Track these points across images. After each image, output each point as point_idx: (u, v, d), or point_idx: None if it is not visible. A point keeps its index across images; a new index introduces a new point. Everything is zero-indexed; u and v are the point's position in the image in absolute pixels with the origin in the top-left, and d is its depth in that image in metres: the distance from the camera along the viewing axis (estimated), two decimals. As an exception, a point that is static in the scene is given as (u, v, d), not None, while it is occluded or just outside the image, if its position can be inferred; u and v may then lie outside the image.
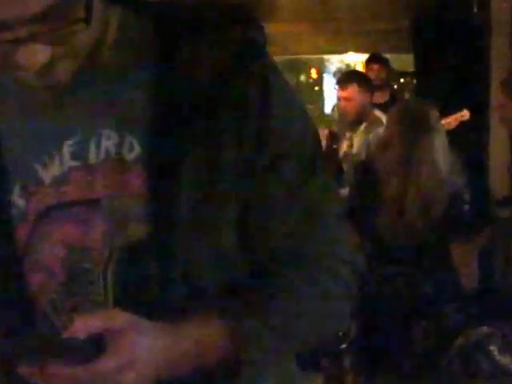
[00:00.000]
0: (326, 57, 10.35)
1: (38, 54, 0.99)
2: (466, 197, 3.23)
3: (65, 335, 0.96)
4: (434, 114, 3.33)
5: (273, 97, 1.09)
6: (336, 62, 10.42)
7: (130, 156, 1.06)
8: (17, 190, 1.10)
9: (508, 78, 4.13)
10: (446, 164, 3.22)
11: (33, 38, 0.98)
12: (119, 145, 1.07)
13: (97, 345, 0.96)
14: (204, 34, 1.10)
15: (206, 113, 1.06)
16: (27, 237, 1.09)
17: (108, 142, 1.07)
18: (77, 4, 0.98)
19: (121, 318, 0.99)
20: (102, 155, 1.07)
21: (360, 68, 7.68)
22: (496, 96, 4.22)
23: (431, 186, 3.17)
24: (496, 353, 2.88)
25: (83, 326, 0.96)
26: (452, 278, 3.18)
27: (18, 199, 1.10)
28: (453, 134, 4.11)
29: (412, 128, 3.23)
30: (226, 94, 1.07)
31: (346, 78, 5.07)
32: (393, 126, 3.30)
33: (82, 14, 0.99)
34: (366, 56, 6.43)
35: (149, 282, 1.05)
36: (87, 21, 0.99)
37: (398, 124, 3.27)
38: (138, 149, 1.06)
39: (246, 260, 1.10)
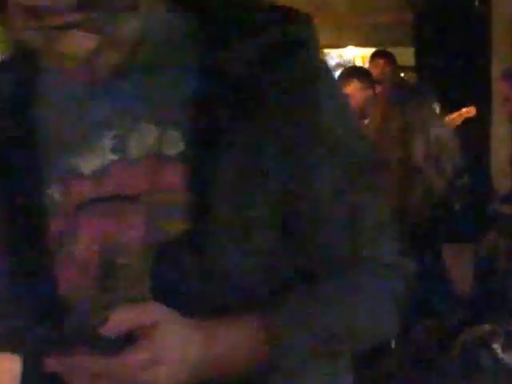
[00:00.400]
0: (325, 51, 10.34)
1: (83, 42, 0.98)
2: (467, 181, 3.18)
3: (98, 328, 0.94)
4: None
5: (321, 93, 1.07)
6: (335, 56, 10.39)
7: (170, 152, 1.04)
8: (54, 181, 1.08)
9: (509, 70, 4.10)
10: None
11: (79, 26, 0.97)
12: (160, 140, 1.04)
13: (128, 338, 0.95)
14: (250, 29, 1.07)
15: (250, 110, 1.04)
16: (61, 230, 1.07)
17: (149, 136, 1.05)
18: None
19: (156, 312, 0.97)
20: (143, 150, 1.05)
21: (359, 62, 7.64)
22: (498, 90, 4.18)
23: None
24: (499, 350, 2.85)
25: (118, 318, 0.95)
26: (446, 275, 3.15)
27: (54, 191, 1.08)
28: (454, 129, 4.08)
29: (412, 97, 3.17)
30: (271, 89, 1.04)
31: (347, 74, 5.04)
32: (388, 100, 3.24)
33: (128, 1, 0.98)
34: (365, 50, 6.41)
35: (186, 280, 1.02)
36: (134, 9, 0.99)
37: (395, 97, 3.21)
38: (179, 145, 1.04)
39: (287, 262, 1.06)
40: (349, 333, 1.09)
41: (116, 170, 1.06)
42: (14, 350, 1.11)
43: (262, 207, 1.04)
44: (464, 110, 5.11)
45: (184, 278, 1.02)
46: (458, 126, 4.76)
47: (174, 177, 1.03)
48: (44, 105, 1.11)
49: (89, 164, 1.07)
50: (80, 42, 0.98)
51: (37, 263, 1.08)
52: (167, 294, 1.02)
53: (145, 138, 1.05)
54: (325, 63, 1.13)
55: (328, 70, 1.13)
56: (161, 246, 1.03)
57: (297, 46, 1.06)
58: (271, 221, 1.04)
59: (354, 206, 1.10)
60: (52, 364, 0.95)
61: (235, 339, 1.02)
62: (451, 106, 4.99)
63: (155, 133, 1.05)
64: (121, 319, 0.95)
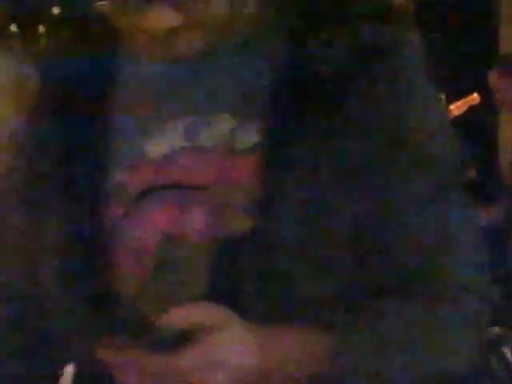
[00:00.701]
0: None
1: (167, 18, 0.97)
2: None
3: (155, 323, 0.92)
4: None
5: (411, 107, 1.02)
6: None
7: (244, 144, 1.01)
8: (120, 163, 1.04)
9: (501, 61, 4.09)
10: None
11: (164, 1, 0.97)
12: (234, 131, 1.02)
13: (185, 337, 0.92)
14: (342, 26, 1.05)
15: (330, 112, 1.00)
16: (122, 215, 1.03)
17: (223, 126, 1.02)
18: None
19: (217, 314, 0.94)
20: (215, 139, 1.02)
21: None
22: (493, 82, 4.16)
23: None
24: (509, 355, 2.78)
25: (177, 316, 0.92)
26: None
27: (121, 175, 1.04)
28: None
29: None
30: (354, 93, 1.00)
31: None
32: None
33: None
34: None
35: (245, 280, 0.99)
36: None
37: None
38: (254, 138, 1.01)
39: (354, 274, 1.01)
40: (408, 358, 1.02)
41: (184, 157, 1.02)
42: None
43: (332, 212, 0.99)
44: (469, 97, 5.10)
45: (243, 278, 0.99)
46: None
47: (245, 171, 1.00)
48: (120, 84, 1.08)
49: (158, 148, 1.03)
50: (163, 18, 0.97)
51: (94, 247, 1.03)
52: (223, 292, 0.99)
53: (219, 127, 1.02)
54: (420, 72, 1.04)
55: (424, 83, 1.04)
56: (222, 243, 0.99)
57: (390, 51, 1.02)
58: (340, 228, 0.99)
59: (441, 224, 1.03)
60: (102, 356, 0.93)
61: (296, 349, 0.98)
62: (455, 95, 4.97)
63: (230, 123, 1.02)
64: (180, 317, 0.93)
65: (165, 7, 0.97)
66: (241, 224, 1.00)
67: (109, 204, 1.03)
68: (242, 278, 0.99)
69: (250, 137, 1.01)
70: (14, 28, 6.22)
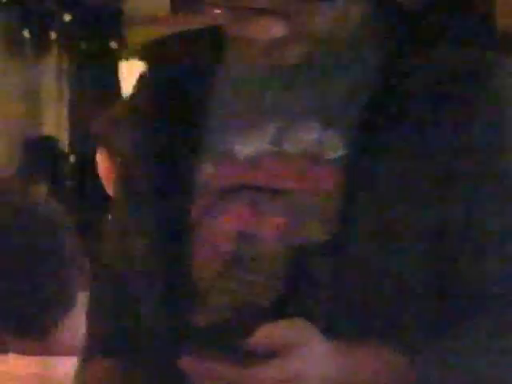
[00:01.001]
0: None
1: (271, 28, 0.98)
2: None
3: (242, 339, 0.92)
4: None
5: (504, 120, 1.01)
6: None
7: (328, 154, 1.02)
8: (210, 160, 1.07)
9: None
10: None
11: (270, 10, 0.97)
12: (320, 140, 1.03)
13: (267, 352, 0.92)
14: (443, 43, 1.04)
15: (422, 129, 1.00)
16: (204, 209, 1.06)
17: (310, 135, 1.03)
18: None
19: (302, 331, 0.94)
20: (300, 147, 1.03)
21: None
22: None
23: None
24: None
25: (264, 334, 0.92)
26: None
27: (208, 169, 1.07)
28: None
29: None
30: (448, 106, 1.00)
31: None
32: None
33: None
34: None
35: (318, 289, 1.00)
36: (330, 3, 0.98)
37: None
38: (339, 149, 1.02)
39: (435, 293, 1.01)
40: None
41: (269, 161, 1.04)
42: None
43: (413, 229, 0.99)
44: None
45: (315, 287, 1.00)
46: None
47: (328, 181, 1.01)
48: (220, 83, 1.10)
49: (245, 149, 1.06)
50: (268, 28, 0.98)
51: (177, 237, 1.06)
52: (294, 298, 1.01)
53: (306, 135, 1.03)
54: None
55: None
56: (298, 249, 1.00)
57: (486, 75, 1.01)
58: (421, 244, 0.99)
59: None
60: (184, 364, 0.93)
61: (377, 369, 0.98)
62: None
63: (317, 132, 1.03)
64: (267, 335, 0.93)
65: (271, 18, 0.98)
66: (318, 233, 1.00)
67: (195, 196, 1.06)
68: (315, 287, 1.00)
69: (337, 148, 1.02)
70: (26, 34, 6.21)
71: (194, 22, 5.69)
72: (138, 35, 5.81)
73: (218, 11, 1.00)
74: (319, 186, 1.01)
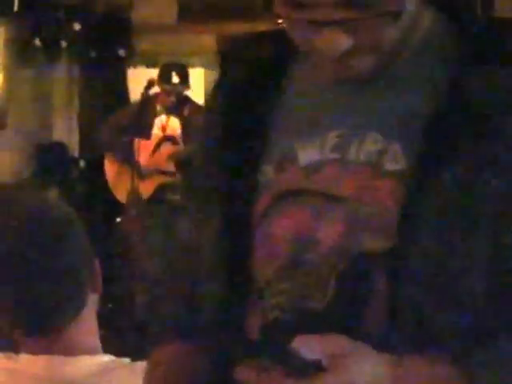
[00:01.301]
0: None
1: (339, 41, 0.98)
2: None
3: (293, 350, 0.92)
4: None
5: None
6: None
7: (390, 166, 1.01)
8: (272, 162, 1.08)
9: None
10: None
11: (336, 24, 0.97)
12: (383, 152, 1.02)
13: (317, 365, 0.93)
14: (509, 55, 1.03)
15: (486, 146, 0.99)
16: (264, 210, 1.07)
17: (372, 146, 1.03)
18: None
19: (344, 343, 0.95)
20: (362, 157, 1.03)
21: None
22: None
23: None
24: None
25: (310, 345, 0.93)
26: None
27: (270, 171, 1.07)
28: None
29: None
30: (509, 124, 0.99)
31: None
32: None
33: (392, 7, 0.97)
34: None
35: (368, 301, 1.00)
36: (397, 16, 0.97)
37: None
38: (402, 162, 1.01)
39: (493, 307, 0.98)
40: None
41: (332, 168, 1.04)
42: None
43: (470, 245, 0.97)
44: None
45: (367, 299, 1.00)
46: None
47: (387, 193, 1.00)
48: (288, 86, 1.11)
49: (307, 155, 1.06)
50: (335, 41, 0.97)
51: (239, 237, 1.07)
52: (345, 306, 1.00)
53: (368, 145, 1.03)
54: None
55: None
56: (352, 258, 1.00)
57: None
58: (477, 261, 0.98)
59: None
60: (240, 376, 0.94)
61: (426, 379, 0.97)
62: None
63: (380, 144, 1.02)
64: (314, 345, 0.93)
65: (338, 31, 0.97)
66: (374, 243, 0.99)
67: (256, 198, 1.07)
68: (365, 298, 0.99)
69: (398, 160, 1.01)
70: (37, 42, 6.28)
71: (202, 31, 5.68)
72: (146, 43, 5.82)
73: (286, 24, 1.01)
74: (377, 197, 1.00)
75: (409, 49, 1.05)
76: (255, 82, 1.12)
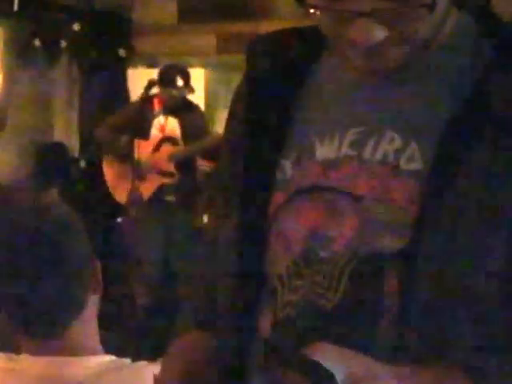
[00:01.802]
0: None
1: (373, 32, 0.97)
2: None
3: (307, 355, 0.90)
4: None
5: None
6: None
7: (407, 166, 1.01)
8: (290, 157, 1.08)
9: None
10: None
11: (372, 14, 0.96)
12: (400, 152, 1.02)
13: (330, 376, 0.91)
14: None
15: (498, 148, 0.98)
16: (280, 205, 1.07)
17: (389, 145, 1.02)
18: None
19: (367, 365, 0.92)
20: (378, 156, 1.03)
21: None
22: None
23: None
24: None
25: (331, 357, 0.90)
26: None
27: (288, 166, 1.08)
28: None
29: None
30: None
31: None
32: None
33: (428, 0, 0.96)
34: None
35: (379, 302, 0.99)
36: (432, 8, 0.96)
37: None
38: (418, 162, 1.01)
39: (507, 312, 0.97)
40: None
41: (346, 165, 1.04)
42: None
43: (485, 247, 0.96)
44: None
45: (378, 299, 0.99)
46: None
47: (403, 193, 1.00)
48: (311, 84, 1.11)
49: (325, 151, 1.06)
50: (369, 31, 0.97)
51: (254, 232, 1.07)
52: (354, 305, 1.00)
53: (386, 144, 1.02)
54: None
55: None
56: (365, 257, 0.99)
57: None
58: (492, 263, 0.96)
59: None
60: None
61: None
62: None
63: (397, 143, 1.02)
64: (336, 359, 0.90)
65: (370, 22, 0.97)
66: (387, 243, 0.99)
67: (273, 193, 1.07)
68: (377, 297, 0.98)
69: (415, 160, 1.00)
70: (37, 42, 6.26)
71: (202, 31, 5.67)
72: (147, 43, 5.81)
73: (319, 13, 1.00)
74: (393, 196, 1.00)
75: (437, 44, 1.04)
76: (280, 78, 1.11)
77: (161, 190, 5.35)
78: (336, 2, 0.98)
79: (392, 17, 0.97)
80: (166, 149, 5.41)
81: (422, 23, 0.99)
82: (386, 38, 0.98)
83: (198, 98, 5.73)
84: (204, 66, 6.54)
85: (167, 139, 5.43)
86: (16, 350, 1.42)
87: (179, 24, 6.36)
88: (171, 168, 5.38)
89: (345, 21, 0.98)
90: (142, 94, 5.49)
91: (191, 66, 5.93)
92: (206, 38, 6.21)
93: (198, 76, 6.28)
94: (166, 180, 5.36)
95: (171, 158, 5.37)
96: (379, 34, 0.98)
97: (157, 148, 5.41)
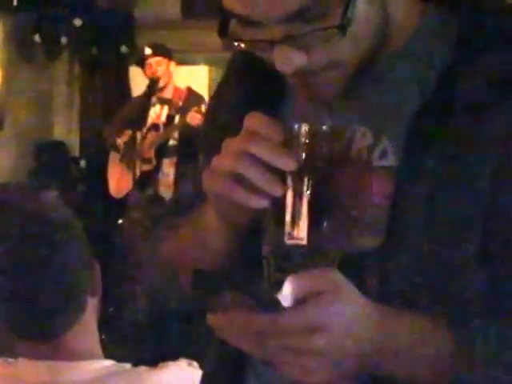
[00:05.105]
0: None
1: (292, 58, 0.95)
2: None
3: (271, 288, 0.90)
4: None
5: None
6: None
7: (378, 163, 1.00)
8: None
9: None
10: None
11: (287, 40, 0.94)
12: (372, 147, 1.00)
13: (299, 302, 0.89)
14: (496, 50, 0.99)
15: (476, 139, 0.96)
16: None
17: (361, 141, 0.99)
18: (335, 7, 0.92)
19: (330, 280, 0.90)
20: (353, 151, 1.00)
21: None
22: None
23: None
24: None
25: (293, 283, 0.88)
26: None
27: None
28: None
29: None
30: (500, 116, 0.96)
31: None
32: None
33: (332, 21, 0.92)
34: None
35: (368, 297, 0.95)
36: (343, 29, 0.93)
37: None
38: (390, 158, 1.00)
39: (486, 303, 0.97)
40: None
41: None
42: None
43: (461, 238, 0.96)
44: None
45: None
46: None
47: (377, 188, 0.99)
48: (286, 112, 1.09)
49: None
50: (287, 58, 0.95)
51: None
52: None
53: (358, 141, 0.99)
54: None
55: None
56: (346, 255, 0.97)
57: None
58: (468, 254, 0.96)
59: None
60: (211, 319, 0.90)
61: (416, 333, 0.93)
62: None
63: (369, 139, 1.01)
64: (295, 283, 0.89)
65: (287, 48, 0.94)
66: (366, 241, 0.99)
67: None
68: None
69: (387, 157, 1.01)
70: (37, 38, 6.27)
71: (204, 28, 5.69)
72: (149, 40, 5.84)
73: (242, 45, 0.98)
74: (369, 193, 0.99)
75: (395, 45, 1.02)
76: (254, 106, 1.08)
77: (144, 177, 5.40)
78: (251, 32, 0.96)
79: (309, 41, 0.95)
80: (150, 136, 5.45)
81: (350, 42, 0.96)
82: (309, 64, 0.96)
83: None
84: (208, 63, 6.54)
85: (153, 127, 5.46)
86: (14, 354, 1.40)
87: (182, 20, 6.38)
88: (151, 155, 5.43)
89: (268, 49, 0.96)
90: (146, 91, 5.50)
91: (195, 63, 5.94)
92: (209, 35, 6.18)
93: (202, 73, 6.30)
94: (146, 167, 5.41)
95: (152, 144, 5.41)
96: (298, 59, 0.95)
97: (145, 136, 5.45)
